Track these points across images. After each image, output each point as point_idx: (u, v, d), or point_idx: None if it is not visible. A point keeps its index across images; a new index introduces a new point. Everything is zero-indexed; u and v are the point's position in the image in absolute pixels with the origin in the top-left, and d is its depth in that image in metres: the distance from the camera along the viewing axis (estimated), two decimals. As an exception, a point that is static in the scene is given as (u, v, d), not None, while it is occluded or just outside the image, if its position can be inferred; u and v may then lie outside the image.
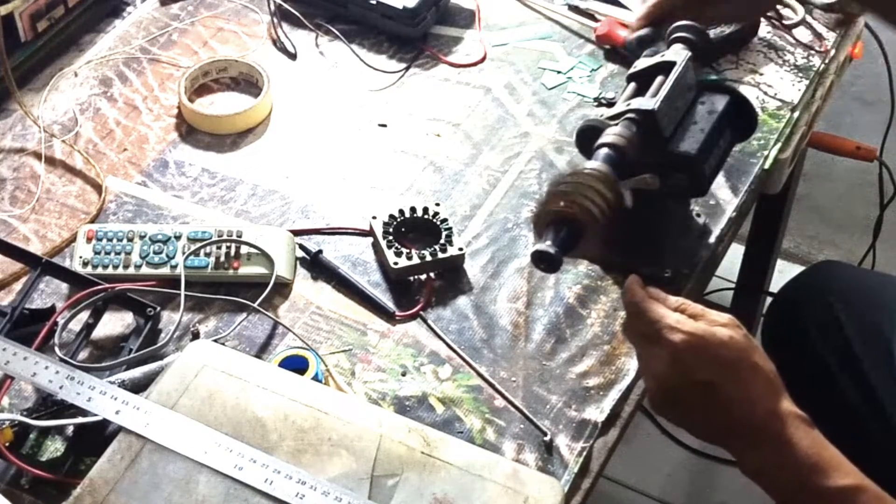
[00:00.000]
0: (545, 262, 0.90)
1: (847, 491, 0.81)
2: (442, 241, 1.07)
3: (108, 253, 1.07)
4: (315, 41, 1.34)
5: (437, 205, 1.11)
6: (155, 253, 1.06)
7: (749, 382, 0.84)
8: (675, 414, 0.87)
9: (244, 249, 1.07)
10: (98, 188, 1.16)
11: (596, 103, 1.24)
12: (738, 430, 0.84)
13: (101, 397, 0.90)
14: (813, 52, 1.30)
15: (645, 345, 0.87)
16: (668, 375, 0.84)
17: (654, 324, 0.86)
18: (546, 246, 0.89)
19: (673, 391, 0.85)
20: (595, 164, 0.95)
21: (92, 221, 1.13)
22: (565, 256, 0.89)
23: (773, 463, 0.83)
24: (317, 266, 1.09)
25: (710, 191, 1.05)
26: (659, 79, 1.01)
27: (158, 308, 1.02)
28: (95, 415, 0.90)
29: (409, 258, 1.06)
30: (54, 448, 0.94)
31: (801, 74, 1.27)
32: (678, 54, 1.02)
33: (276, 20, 1.34)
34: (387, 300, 1.06)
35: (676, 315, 0.86)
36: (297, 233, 1.10)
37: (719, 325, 0.85)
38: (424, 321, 1.04)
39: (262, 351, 1.02)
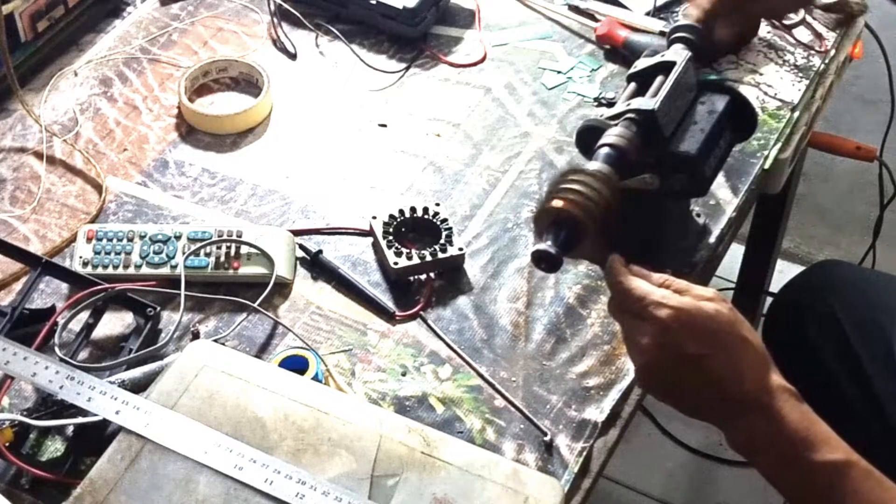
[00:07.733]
0: (545, 262, 0.90)
1: (836, 465, 0.81)
2: (442, 241, 1.07)
3: (108, 253, 1.07)
4: (315, 41, 1.34)
5: (437, 205, 1.11)
6: (155, 253, 1.06)
7: (738, 355, 0.83)
8: (663, 390, 0.86)
9: (244, 249, 1.07)
10: (98, 188, 1.16)
11: (596, 103, 1.24)
12: (727, 403, 0.83)
13: (101, 397, 0.90)
14: (813, 52, 1.30)
15: (631, 322, 0.87)
16: (656, 351, 0.84)
17: (640, 300, 0.85)
18: (546, 246, 0.89)
19: (661, 367, 0.84)
20: (596, 164, 0.95)
21: (92, 221, 1.13)
22: (565, 256, 0.89)
23: (762, 436, 0.82)
24: (317, 266, 1.09)
25: (710, 191, 1.05)
26: (659, 79, 1.01)
27: (158, 308, 1.02)
28: (95, 415, 0.90)
29: (409, 258, 1.06)
30: (54, 448, 0.94)
31: (801, 74, 1.27)
32: (678, 54, 1.02)
33: (276, 20, 1.34)
34: (387, 300, 1.06)
35: (662, 291, 0.86)
36: (297, 233, 1.10)
37: (705, 299, 0.85)
38: (424, 321, 1.04)
39: (262, 351, 1.02)
